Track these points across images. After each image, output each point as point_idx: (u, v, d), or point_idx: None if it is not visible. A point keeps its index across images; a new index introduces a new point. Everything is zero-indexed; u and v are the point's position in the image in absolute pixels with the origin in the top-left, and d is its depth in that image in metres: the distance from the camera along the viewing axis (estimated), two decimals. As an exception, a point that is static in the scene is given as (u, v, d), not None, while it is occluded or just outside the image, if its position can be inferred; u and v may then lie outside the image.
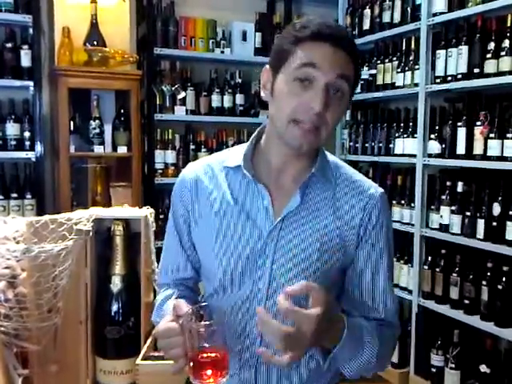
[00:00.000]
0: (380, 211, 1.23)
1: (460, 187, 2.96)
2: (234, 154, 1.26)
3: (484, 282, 2.79)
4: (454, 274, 2.97)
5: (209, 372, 1.05)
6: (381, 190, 1.26)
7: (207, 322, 1.04)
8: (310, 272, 1.18)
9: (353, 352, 1.13)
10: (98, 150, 3.33)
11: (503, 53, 2.70)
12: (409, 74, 3.33)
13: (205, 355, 1.04)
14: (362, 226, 1.22)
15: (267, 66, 1.21)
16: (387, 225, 1.25)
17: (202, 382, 1.05)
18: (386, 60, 3.57)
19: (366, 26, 3.73)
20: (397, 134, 3.46)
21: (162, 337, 1.09)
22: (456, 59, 2.96)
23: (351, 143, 3.91)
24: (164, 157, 3.68)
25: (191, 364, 1.05)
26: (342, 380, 1.32)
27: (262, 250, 1.19)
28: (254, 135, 1.28)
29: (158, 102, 3.66)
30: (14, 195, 3.23)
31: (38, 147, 3.24)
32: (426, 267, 3.18)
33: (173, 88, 3.67)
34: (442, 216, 3.06)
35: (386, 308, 1.24)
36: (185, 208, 1.29)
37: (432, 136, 3.15)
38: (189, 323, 1.04)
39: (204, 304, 1.16)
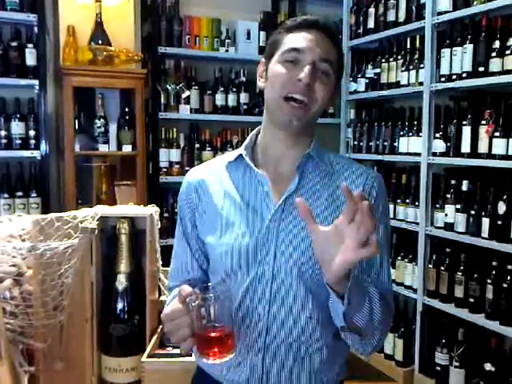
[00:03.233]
0: (377, 191, 1.26)
1: (465, 186, 2.96)
2: (235, 151, 1.33)
3: (489, 281, 2.78)
4: (459, 273, 2.96)
5: (215, 349, 1.09)
6: (375, 174, 1.30)
7: (211, 295, 1.07)
8: (312, 252, 1.17)
9: (360, 297, 1.10)
10: (103, 148, 3.33)
11: (508, 51, 2.69)
12: (413, 72, 3.32)
13: (212, 334, 1.08)
14: None
15: (263, 59, 1.31)
16: (385, 205, 1.29)
17: (209, 359, 1.09)
18: (391, 59, 3.56)
19: (371, 24, 3.73)
20: (401, 133, 3.46)
21: (169, 319, 1.11)
22: (461, 58, 2.95)
23: (355, 142, 3.90)
24: (169, 155, 3.68)
25: (198, 342, 1.09)
26: (349, 378, 1.33)
27: (266, 235, 1.22)
28: (253, 132, 1.35)
29: (162, 101, 3.67)
30: (20, 194, 3.24)
31: (43, 146, 3.24)
32: (430, 266, 3.17)
33: (177, 87, 3.68)
34: (446, 214, 3.06)
35: (380, 283, 1.23)
36: (191, 209, 1.33)
37: (437, 135, 3.14)
38: (195, 301, 1.06)
39: (209, 284, 1.19)
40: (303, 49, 1.21)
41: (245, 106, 3.89)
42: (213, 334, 1.08)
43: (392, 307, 1.23)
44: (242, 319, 1.23)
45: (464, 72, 2.94)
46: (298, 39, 1.23)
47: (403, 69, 3.42)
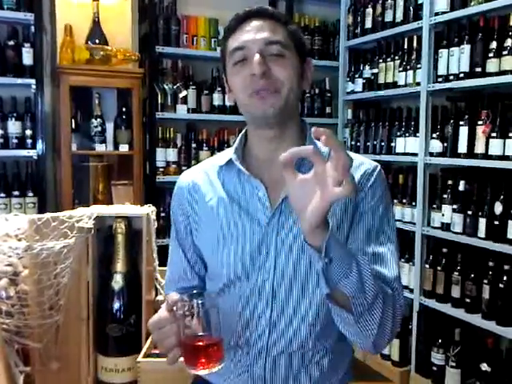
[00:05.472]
0: (375, 182, 1.21)
1: (462, 186, 2.96)
2: (225, 154, 1.30)
3: (485, 281, 2.79)
4: (456, 273, 2.97)
5: (202, 359, 1.06)
6: (375, 163, 1.26)
7: (198, 304, 1.04)
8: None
9: (344, 257, 0.99)
10: (100, 148, 3.33)
11: (505, 52, 2.70)
12: (411, 72, 3.33)
13: (199, 343, 1.05)
14: (357, 198, 1.19)
15: (223, 76, 1.30)
16: (385, 196, 1.23)
17: (196, 369, 1.06)
18: (388, 59, 3.57)
19: (368, 24, 3.73)
20: (398, 133, 3.46)
21: (155, 328, 1.08)
22: (458, 58, 2.96)
23: (353, 142, 3.90)
24: (165, 155, 3.68)
25: (184, 352, 1.06)
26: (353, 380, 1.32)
27: (264, 241, 1.19)
28: (241, 133, 1.31)
29: (159, 101, 3.66)
30: (16, 193, 3.23)
31: (40, 145, 3.24)
32: (427, 266, 3.18)
33: (174, 86, 3.67)
34: (443, 215, 3.06)
35: (387, 276, 1.14)
36: (185, 215, 1.30)
37: (434, 135, 3.15)
38: (181, 310, 1.04)
39: (196, 292, 1.15)
40: (244, 43, 1.18)
41: (242, 106, 3.88)
42: (199, 344, 1.04)
43: (398, 296, 1.12)
44: (242, 329, 1.20)
45: (461, 72, 2.94)
46: (237, 37, 1.20)
47: (400, 69, 3.42)
